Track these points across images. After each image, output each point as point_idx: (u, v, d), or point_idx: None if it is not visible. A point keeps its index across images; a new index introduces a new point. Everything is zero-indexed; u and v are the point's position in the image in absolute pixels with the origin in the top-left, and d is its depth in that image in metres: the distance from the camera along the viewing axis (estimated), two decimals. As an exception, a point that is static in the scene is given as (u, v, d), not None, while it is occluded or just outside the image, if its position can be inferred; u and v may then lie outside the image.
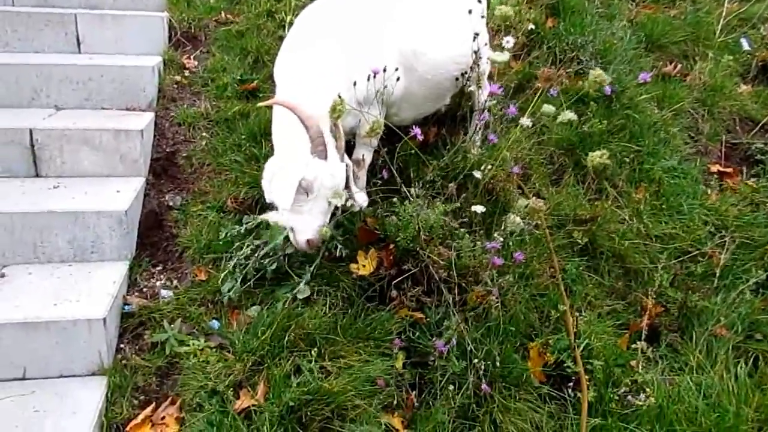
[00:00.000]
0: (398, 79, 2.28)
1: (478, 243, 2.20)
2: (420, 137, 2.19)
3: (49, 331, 2.06)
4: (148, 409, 1.99)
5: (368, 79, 2.15)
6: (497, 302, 2.18)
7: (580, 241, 2.56)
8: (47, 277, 2.30)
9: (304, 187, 2.02)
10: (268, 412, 1.89)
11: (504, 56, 2.29)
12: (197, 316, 2.25)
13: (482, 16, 2.64)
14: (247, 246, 2.30)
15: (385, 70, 2.18)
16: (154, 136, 2.93)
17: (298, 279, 2.26)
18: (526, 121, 2.31)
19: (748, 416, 2.03)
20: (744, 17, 4.15)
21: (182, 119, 3.01)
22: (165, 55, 3.31)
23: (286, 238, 2.22)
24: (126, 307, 2.26)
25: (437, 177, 2.42)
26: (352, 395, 1.96)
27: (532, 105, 2.38)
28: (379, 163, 2.51)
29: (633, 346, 2.19)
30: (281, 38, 3.03)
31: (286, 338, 2.08)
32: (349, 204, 2.18)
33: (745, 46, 4.01)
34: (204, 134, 2.97)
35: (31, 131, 2.62)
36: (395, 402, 2.04)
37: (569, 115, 2.19)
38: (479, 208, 2.23)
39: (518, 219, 2.18)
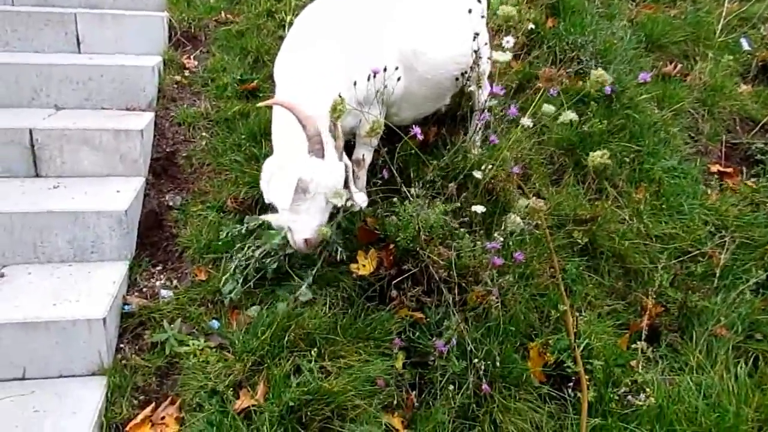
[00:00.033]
0: (398, 78, 2.28)
1: (478, 243, 2.19)
2: (420, 137, 2.19)
3: (49, 331, 2.06)
4: (148, 409, 1.98)
5: (368, 79, 2.15)
6: (497, 302, 2.18)
7: (580, 241, 2.56)
8: (47, 277, 2.30)
9: (302, 187, 2.02)
10: (268, 412, 1.88)
11: (506, 56, 2.29)
12: (197, 316, 2.25)
13: (482, 16, 2.64)
14: (248, 247, 2.29)
15: (385, 70, 2.18)
16: (154, 135, 2.93)
17: (299, 280, 2.26)
18: (526, 121, 2.31)
19: (748, 416, 2.03)
20: (744, 17, 4.16)
21: (182, 119, 3.01)
22: (165, 54, 3.31)
23: (284, 238, 2.22)
24: (126, 307, 2.26)
25: (437, 177, 2.42)
26: (352, 395, 1.96)
27: (533, 105, 2.38)
28: (379, 163, 2.51)
29: (633, 346, 2.19)
30: (281, 38, 3.03)
31: (286, 338, 2.07)
32: (349, 204, 2.18)
33: (745, 46, 4.01)
34: (204, 134, 2.97)
35: (30, 131, 2.62)
36: (395, 402, 2.04)
37: (570, 115, 2.19)
38: (479, 208, 2.23)
39: (518, 219, 2.18)
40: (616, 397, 2.05)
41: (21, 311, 2.08)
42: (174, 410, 1.98)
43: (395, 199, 2.31)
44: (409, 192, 2.24)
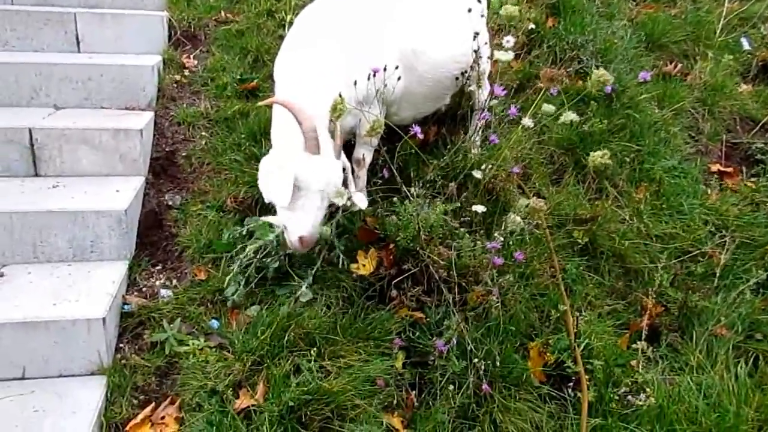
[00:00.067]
0: (399, 78, 2.27)
1: (479, 243, 2.19)
2: (420, 136, 2.18)
3: (49, 330, 2.05)
4: (148, 409, 1.98)
5: (368, 78, 2.15)
6: (497, 302, 2.18)
7: (580, 240, 2.56)
8: (46, 276, 2.30)
9: (296, 183, 2.01)
10: (267, 411, 1.88)
11: (509, 55, 2.29)
12: (197, 316, 2.25)
13: (482, 15, 2.64)
14: (249, 248, 2.29)
15: (385, 69, 2.18)
16: (154, 135, 2.93)
17: (299, 280, 2.25)
18: (527, 121, 2.31)
19: (749, 416, 2.03)
20: (744, 16, 4.15)
21: (182, 118, 3.01)
22: (165, 54, 3.31)
23: (279, 235, 2.21)
24: (125, 307, 2.26)
25: (437, 176, 2.42)
26: (352, 395, 1.95)
27: (533, 105, 2.38)
28: (379, 163, 2.50)
29: (633, 346, 2.19)
30: (281, 37, 3.03)
31: (286, 338, 2.07)
32: (349, 204, 2.17)
33: (746, 45, 4.01)
34: (204, 133, 2.97)
35: (30, 130, 2.61)
36: (395, 402, 2.04)
37: (571, 116, 2.19)
38: (480, 208, 2.23)
39: (518, 219, 2.18)
40: (617, 397, 2.05)
41: (21, 311, 2.08)
42: (174, 410, 1.98)
43: (395, 199, 2.31)
44: (409, 191, 2.24)
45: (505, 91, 2.34)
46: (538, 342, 2.20)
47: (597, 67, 2.57)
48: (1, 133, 2.59)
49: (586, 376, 2.06)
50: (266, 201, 2.14)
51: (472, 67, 2.52)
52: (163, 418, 1.96)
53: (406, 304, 2.22)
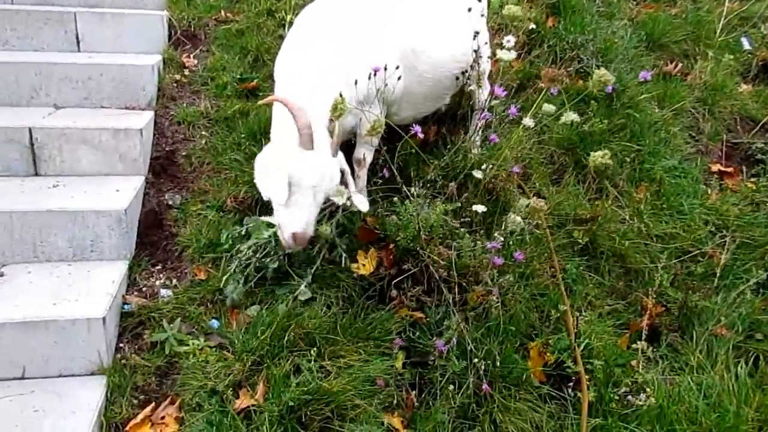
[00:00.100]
0: (399, 78, 2.27)
1: (479, 243, 2.19)
2: (420, 135, 2.18)
3: (49, 330, 2.05)
4: (148, 409, 1.98)
5: (369, 78, 2.15)
6: (497, 302, 2.18)
7: (580, 240, 2.56)
8: (46, 276, 2.29)
9: (288, 179, 1.97)
10: (267, 411, 1.88)
11: (511, 54, 2.29)
12: (197, 316, 2.25)
13: (482, 15, 2.63)
14: (248, 247, 2.29)
15: (385, 69, 2.17)
16: (154, 134, 2.93)
17: (298, 280, 2.25)
18: (528, 121, 2.31)
19: (749, 416, 2.03)
20: (745, 16, 4.15)
21: (182, 118, 3.01)
22: (165, 53, 3.30)
23: (274, 234, 2.19)
24: (125, 307, 2.26)
25: (438, 176, 2.42)
26: (352, 395, 1.95)
27: (534, 105, 2.38)
28: (379, 163, 2.50)
29: (633, 346, 2.19)
30: (281, 37, 3.03)
31: (286, 338, 2.07)
32: (349, 204, 2.17)
33: (746, 45, 4.01)
34: (204, 133, 2.97)
35: (30, 130, 2.61)
36: (395, 402, 2.04)
37: (572, 116, 2.18)
38: (480, 208, 2.23)
39: (519, 218, 2.18)
40: (617, 397, 2.05)
41: (20, 310, 2.08)
42: (174, 410, 1.98)
43: (395, 199, 2.30)
44: (410, 191, 2.24)
45: (505, 92, 2.34)
46: (538, 342, 2.20)
47: (597, 67, 2.58)
48: (1, 132, 2.59)
49: (586, 376, 2.06)
50: (265, 198, 2.12)
51: (472, 67, 2.52)
52: (163, 418, 1.96)
53: (406, 304, 2.22)
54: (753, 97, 3.69)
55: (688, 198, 2.90)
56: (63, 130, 2.64)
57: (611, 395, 2.05)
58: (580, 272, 2.51)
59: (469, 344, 2.05)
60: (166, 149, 2.89)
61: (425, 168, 2.50)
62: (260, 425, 1.87)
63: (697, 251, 2.68)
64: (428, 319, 2.19)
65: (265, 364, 2.03)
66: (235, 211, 2.60)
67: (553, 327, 2.26)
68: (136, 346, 2.19)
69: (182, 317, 2.23)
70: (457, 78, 2.55)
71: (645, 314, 2.37)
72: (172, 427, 1.93)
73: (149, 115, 2.91)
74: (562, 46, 3.45)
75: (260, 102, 2.45)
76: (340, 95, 2.02)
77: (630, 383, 2.07)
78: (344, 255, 2.25)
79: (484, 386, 2.00)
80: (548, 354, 2.16)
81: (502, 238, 2.15)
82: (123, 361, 2.12)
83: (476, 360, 2.02)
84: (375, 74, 2.14)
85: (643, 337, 2.19)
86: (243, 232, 2.36)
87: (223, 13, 3.64)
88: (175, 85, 3.19)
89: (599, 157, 2.18)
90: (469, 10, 2.42)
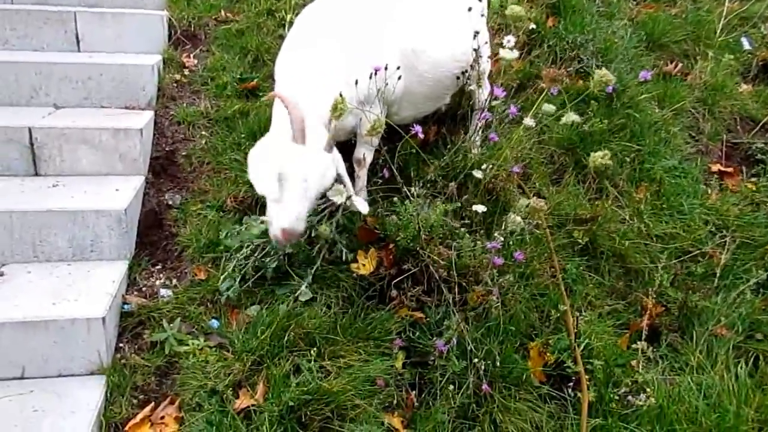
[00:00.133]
0: (399, 77, 2.27)
1: (479, 242, 2.19)
2: (421, 135, 2.18)
3: (48, 330, 2.05)
4: (147, 409, 1.98)
5: (369, 78, 2.14)
6: (497, 302, 2.18)
7: (580, 240, 2.56)
8: (46, 276, 2.29)
9: (278, 172, 1.93)
10: (267, 411, 1.88)
11: (513, 54, 2.29)
12: (197, 316, 2.25)
13: (482, 15, 2.64)
14: (247, 246, 2.29)
15: (386, 69, 2.17)
16: (154, 134, 2.93)
17: (298, 280, 2.25)
18: (529, 121, 2.30)
19: (749, 416, 2.03)
20: (745, 16, 4.15)
21: (182, 118, 3.00)
22: (165, 53, 3.30)
23: (264, 231, 2.18)
24: (125, 307, 2.26)
25: (438, 176, 2.42)
26: (351, 395, 1.95)
27: (535, 106, 2.38)
28: (379, 163, 2.50)
29: (633, 346, 2.19)
30: (281, 37, 3.02)
31: (286, 338, 2.07)
32: (348, 204, 2.17)
33: (746, 45, 4.01)
34: (204, 133, 2.97)
35: (30, 130, 2.61)
36: (395, 402, 2.04)
37: (573, 117, 2.19)
38: (480, 208, 2.23)
39: (519, 218, 2.18)
40: (617, 397, 2.05)
41: (20, 310, 2.07)
42: (173, 410, 1.98)
43: (395, 199, 2.30)
44: (410, 191, 2.24)
45: (505, 93, 2.34)
46: (538, 342, 2.20)
47: (597, 67, 2.58)
48: (0, 132, 2.59)
49: (586, 376, 2.06)
50: (258, 193, 2.06)
51: (472, 67, 2.52)
52: (162, 417, 1.95)
53: (406, 304, 2.22)
54: (753, 97, 3.69)
55: (688, 198, 2.90)
56: (63, 130, 2.64)
57: (611, 395, 2.05)
58: (580, 272, 2.51)
59: (469, 344, 2.05)
60: (166, 149, 2.88)
61: (425, 168, 2.50)
62: (260, 425, 1.86)
63: (697, 251, 2.68)
64: (428, 319, 2.19)
65: (265, 364, 2.03)
66: (235, 211, 2.59)
67: (553, 327, 2.26)
68: (136, 346, 2.19)
69: (182, 317, 2.23)
70: (458, 78, 2.54)
71: (645, 314, 2.37)
72: (171, 427, 1.93)
73: (149, 114, 2.91)
74: (562, 46, 3.45)
75: (263, 99, 2.43)
76: (340, 95, 2.02)
77: (630, 383, 2.07)
78: (345, 251, 2.25)
79: (484, 386, 2.00)
80: (548, 354, 2.16)
81: (502, 238, 2.15)
82: (123, 361, 2.12)
83: (476, 360, 2.02)
84: (375, 74, 2.14)
85: (643, 337, 2.19)
86: (242, 231, 2.35)
87: (223, 13, 3.64)
88: (175, 85, 3.19)
89: (599, 157, 2.19)
90: (469, 9, 2.42)
